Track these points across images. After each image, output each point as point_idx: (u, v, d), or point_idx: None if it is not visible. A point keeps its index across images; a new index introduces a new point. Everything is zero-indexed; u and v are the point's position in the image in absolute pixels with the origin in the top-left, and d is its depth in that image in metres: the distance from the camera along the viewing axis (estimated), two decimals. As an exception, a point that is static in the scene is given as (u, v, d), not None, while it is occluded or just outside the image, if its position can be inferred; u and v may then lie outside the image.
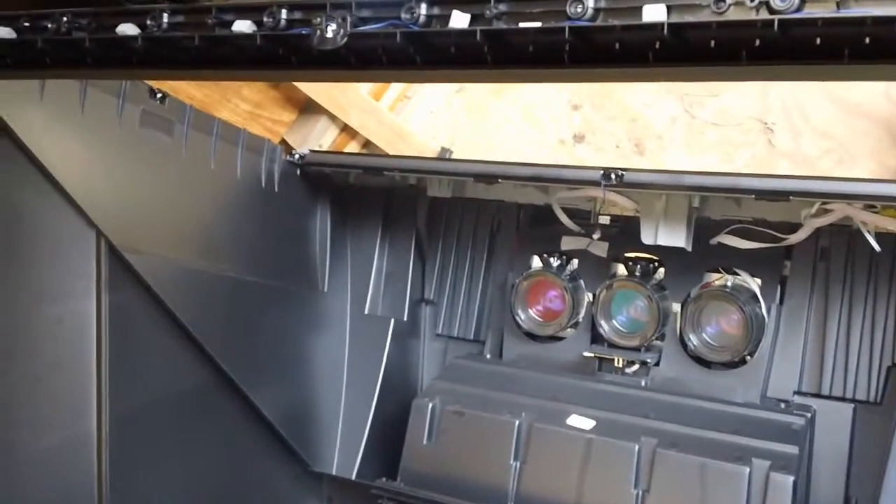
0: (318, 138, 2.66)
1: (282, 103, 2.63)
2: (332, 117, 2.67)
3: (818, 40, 0.59)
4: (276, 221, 1.85)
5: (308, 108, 2.68)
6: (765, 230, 1.70)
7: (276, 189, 1.83)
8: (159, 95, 1.52)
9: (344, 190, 2.02)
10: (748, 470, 1.46)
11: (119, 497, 1.44)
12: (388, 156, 2.45)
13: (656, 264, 1.83)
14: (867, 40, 0.57)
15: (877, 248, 1.52)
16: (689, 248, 1.70)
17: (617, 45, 0.66)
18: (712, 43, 0.63)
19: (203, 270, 1.60)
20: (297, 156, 1.88)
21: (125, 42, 0.91)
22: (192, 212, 1.62)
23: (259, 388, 1.69)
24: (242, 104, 2.48)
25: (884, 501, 1.39)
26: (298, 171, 1.89)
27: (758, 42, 0.61)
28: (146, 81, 1.50)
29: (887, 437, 1.47)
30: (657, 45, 0.65)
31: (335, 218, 1.99)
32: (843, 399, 1.63)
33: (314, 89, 2.52)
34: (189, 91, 2.19)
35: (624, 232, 1.84)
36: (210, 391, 1.63)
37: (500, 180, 1.71)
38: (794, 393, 1.68)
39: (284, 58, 0.84)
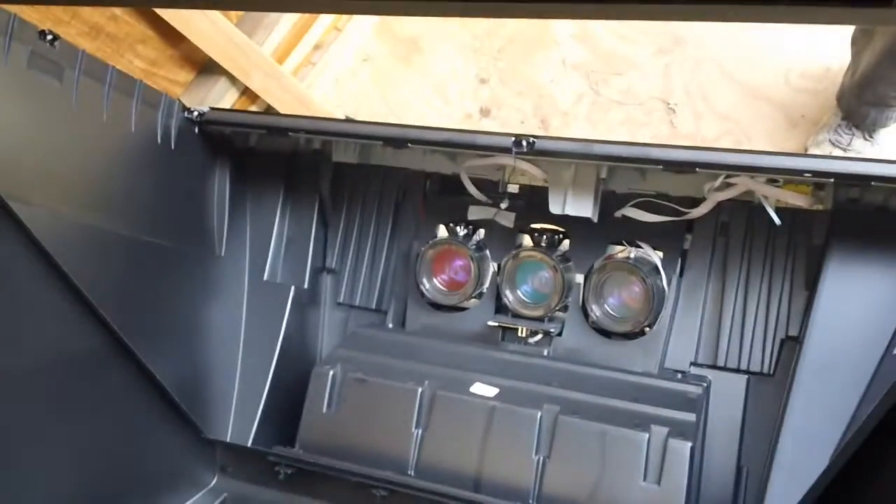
0: (216, 101, 2.56)
1: (179, 62, 2.52)
2: (233, 79, 2.58)
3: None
4: (172, 181, 1.75)
5: (207, 69, 2.57)
6: (668, 204, 1.73)
7: (173, 146, 1.73)
8: (49, 37, 1.41)
9: (244, 152, 1.94)
10: (647, 436, 1.48)
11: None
12: (293, 116, 2.36)
13: (561, 236, 1.83)
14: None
15: (777, 221, 1.56)
16: (596, 220, 1.71)
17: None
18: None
19: (93, 226, 1.50)
20: (195, 113, 1.78)
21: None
22: (83, 164, 1.51)
23: (151, 351, 1.60)
24: (137, 61, 2.36)
25: (774, 471, 1.43)
26: (196, 130, 1.80)
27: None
28: (34, 22, 1.38)
29: (779, 409, 1.52)
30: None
31: (235, 180, 1.91)
32: (737, 370, 1.68)
33: (214, 48, 2.42)
34: (80, 42, 2.06)
35: (531, 203, 1.84)
36: (99, 354, 1.53)
37: (409, 145, 1.67)
38: (691, 364, 1.71)
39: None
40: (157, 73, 2.44)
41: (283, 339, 1.86)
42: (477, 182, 1.88)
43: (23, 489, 1.41)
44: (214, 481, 1.83)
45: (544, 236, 1.83)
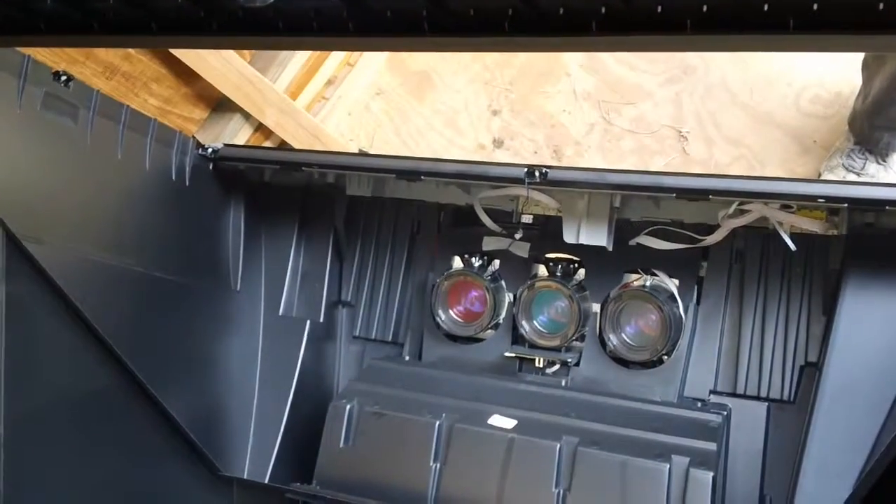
0: (230, 137, 2.58)
1: (193, 100, 2.54)
2: (247, 116, 2.60)
3: (765, 7, 0.58)
4: (186, 217, 1.77)
5: (221, 106, 2.60)
6: (682, 231, 1.73)
7: (188, 183, 1.75)
8: (63, 78, 1.44)
9: (259, 187, 1.96)
10: (668, 466, 1.47)
11: (14, 499, 1.34)
12: (307, 151, 2.39)
13: (577, 265, 1.83)
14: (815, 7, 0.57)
15: (792, 247, 1.56)
16: (610, 248, 1.71)
17: (561, 11, 0.64)
18: (659, 9, 0.61)
19: (108, 263, 1.51)
20: (209, 150, 1.81)
21: (31, 3, 0.84)
22: (97, 202, 1.53)
23: (167, 388, 1.61)
24: (151, 99, 2.38)
25: (798, 499, 1.42)
26: (211, 166, 1.82)
27: (705, 8, 0.60)
28: (49, 63, 1.41)
29: (800, 435, 1.50)
30: (603, 11, 0.63)
31: (249, 216, 1.92)
32: (757, 398, 1.66)
33: (228, 85, 2.44)
34: (95, 83, 2.09)
35: (545, 233, 1.84)
36: (115, 392, 1.54)
37: (423, 177, 1.68)
38: (711, 392, 1.70)
39: (205, 22, 0.78)
40: (172, 111, 2.46)
41: (300, 373, 1.86)
42: (491, 213, 1.89)
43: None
44: (232, 518, 1.82)
45: (559, 266, 1.83)
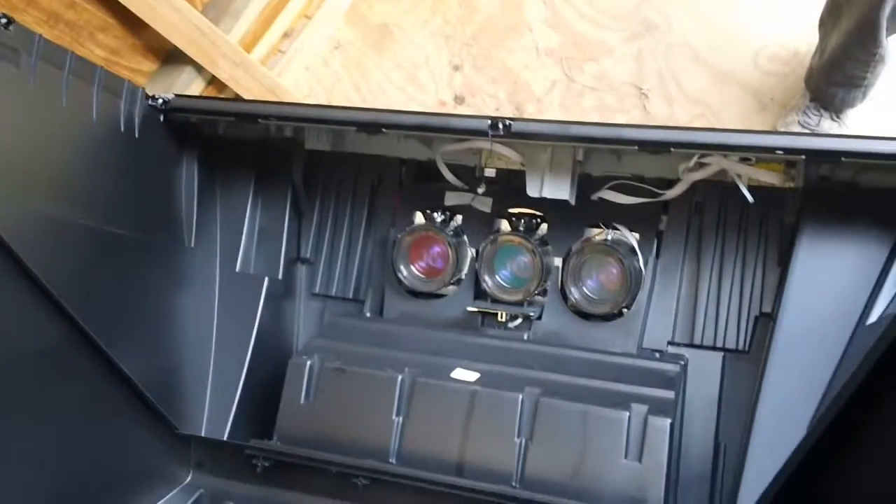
0: (181, 91, 2.51)
1: (142, 51, 2.46)
2: (199, 68, 2.53)
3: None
4: (137, 170, 1.71)
5: (171, 58, 2.52)
6: (643, 186, 1.74)
7: (137, 135, 1.69)
8: (3, 21, 1.37)
9: (213, 141, 1.89)
10: (627, 414, 1.49)
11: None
12: (263, 102, 2.33)
13: (539, 220, 1.83)
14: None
15: (750, 199, 1.57)
16: (573, 202, 1.71)
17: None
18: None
19: (56, 217, 1.45)
20: (159, 100, 1.74)
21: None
22: (42, 152, 1.46)
23: (120, 346, 1.56)
24: (97, 50, 2.30)
25: (752, 445, 1.45)
26: (161, 118, 1.76)
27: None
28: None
29: (755, 384, 1.53)
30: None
31: (203, 170, 1.87)
32: (713, 348, 1.69)
33: (179, 36, 2.37)
34: (37, 30, 2.01)
35: (508, 187, 1.83)
36: (67, 350, 1.49)
37: (384, 130, 1.65)
38: (669, 343, 1.72)
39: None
40: (119, 62, 2.38)
41: (258, 330, 1.83)
42: (453, 168, 1.87)
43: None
44: (189, 477, 1.79)
45: (522, 220, 1.83)
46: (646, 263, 1.73)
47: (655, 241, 1.76)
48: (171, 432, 1.72)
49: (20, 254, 1.36)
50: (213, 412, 1.75)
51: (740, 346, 1.67)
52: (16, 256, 1.35)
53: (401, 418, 1.62)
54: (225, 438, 1.73)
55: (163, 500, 1.72)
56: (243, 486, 1.74)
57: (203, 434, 1.74)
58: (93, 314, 1.51)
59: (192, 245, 1.83)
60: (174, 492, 1.75)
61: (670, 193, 1.71)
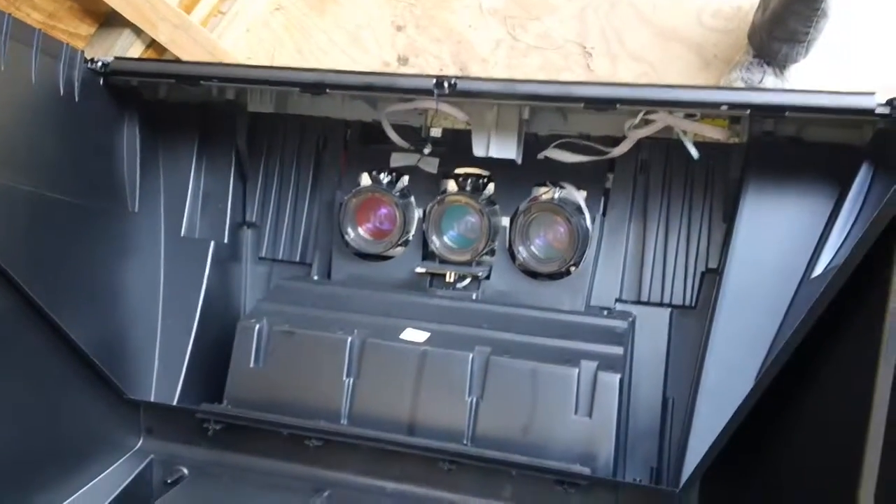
0: (121, 54, 2.43)
1: (79, 14, 2.37)
2: (138, 31, 2.45)
3: None
4: (77, 134, 1.67)
5: (109, 21, 2.44)
6: (589, 144, 1.74)
7: (77, 99, 1.64)
8: (-67, -17, 1.31)
9: (154, 105, 1.86)
10: (577, 371, 1.50)
11: None
12: (204, 64, 2.27)
13: (486, 180, 1.82)
14: None
15: (695, 155, 1.59)
16: (520, 161, 1.70)
17: None
18: None
19: (-5, 180, 1.41)
20: (98, 63, 1.69)
21: None
22: None
23: (65, 312, 1.53)
24: (34, 13, 2.22)
25: (699, 399, 1.47)
26: (101, 81, 1.71)
27: None
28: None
29: (701, 339, 1.55)
30: None
31: (145, 134, 1.83)
32: (660, 304, 1.71)
33: None
34: (-31, -7, 1.93)
35: (454, 148, 1.82)
36: (10, 316, 1.45)
37: (328, 90, 1.62)
38: (616, 301, 1.74)
39: None
40: (57, 26, 2.30)
41: (205, 295, 1.81)
42: (399, 129, 1.85)
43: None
44: (140, 443, 1.77)
45: (469, 181, 1.82)
46: (593, 221, 1.74)
47: (602, 199, 1.77)
48: (120, 398, 1.69)
49: None
50: (162, 377, 1.73)
51: (687, 302, 1.70)
52: None
53: (351, 379, 1.61)
54: (174, 403, 1.71)
55: (114, 466, 1.71)
56: (195, 450, 1.72)
57: (152, 399, 1.72)
58: (37, 280, 1.47)
59: (136, 210, 1.79)
60: (125, 457, 1.74)
61: (616, 151, 1.71)
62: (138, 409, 1.74)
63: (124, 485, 1.68)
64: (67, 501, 1.61)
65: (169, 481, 1.70)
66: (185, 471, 1.71)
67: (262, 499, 1.59)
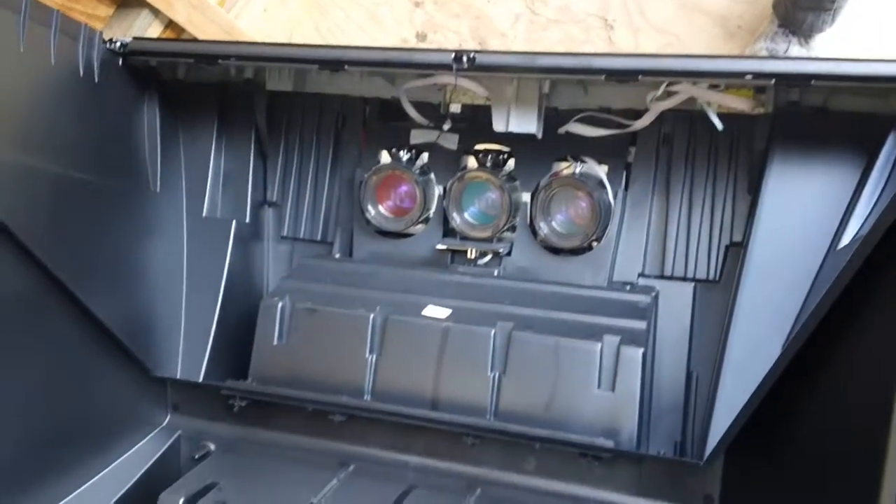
0: (139, 35, 2.44)
1: (98, -5, 2.38)
2: (155, 12, 2.46)
3: None
4: (98, 116, 1.67)
5: (127, 2, 2.45)
6: (611, 117, 1.72)
7: (97, 80, 1.65)
8: (-48, -36, 1.31)
9: (173, 85, 1.86)
10: (600, 345, 1.50)
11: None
12: (222, 42, 2.28)
13: (506, 155, 1.81)
14: None
15: (720, 126, 1.57)
16: (540, 136, 1.69)
17: None
18: None
19: (22, 164, 1.42)
20: (117, 43, 1.69)
21: None
22: (2, 98, 1.43)
23: (92, 292, 1.55)
24: (52, -5, 2.22)
25: (723, 374, 1.46)
26: (120, 62, 1.72)
27: None
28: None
29: (726, 313, 1.54)
30: None
31: (165, 114, 1.83)
32: (684, 279, 1.70)
33: (135, -20, 2.30)
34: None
35: (474, 123, 1.81)
36: (37, 297, 1.47)
37: (346, 67, 1.61)
38: (639, 276, 1.73)
39: None
40: (75, 7, 2.30)
41: (228, 274, 1.82)
42: (418, 105, 1.84)
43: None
44: (167, 420, 1.80)
45: (489, 156, 1.81)
46: (615, 196, 1.72)
47: (624, 174, 1.75)
48: (147, 376, 1.72)
49: None
50: (188, 355, 1.75)
51: (711, 276, 1.68)
52: None
53: (374, 356, 1.62)
54: (200, 380, 1.73)
55: (142, 443, 1.74)
56: (221, 426, 1.75)
57: (178, 376, 1.74)
58: (62, 260, 1.49)
59: (158, 190, 1.80)
60: (153, 434, 1.77)
61: (638, 124, 1.70)
62: (165, 386, 1.77)
63: (153, 460, 1.71)
64: (97, 477, 1.64)
65: (196, 457, 1.73)
66: (212, 446, 1.74)
67: (288, 473, 1.60)
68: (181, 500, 1.49)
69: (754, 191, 1.58)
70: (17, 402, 1.47)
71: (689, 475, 1.48)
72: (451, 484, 1.58)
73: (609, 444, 1.44)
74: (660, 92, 1.60)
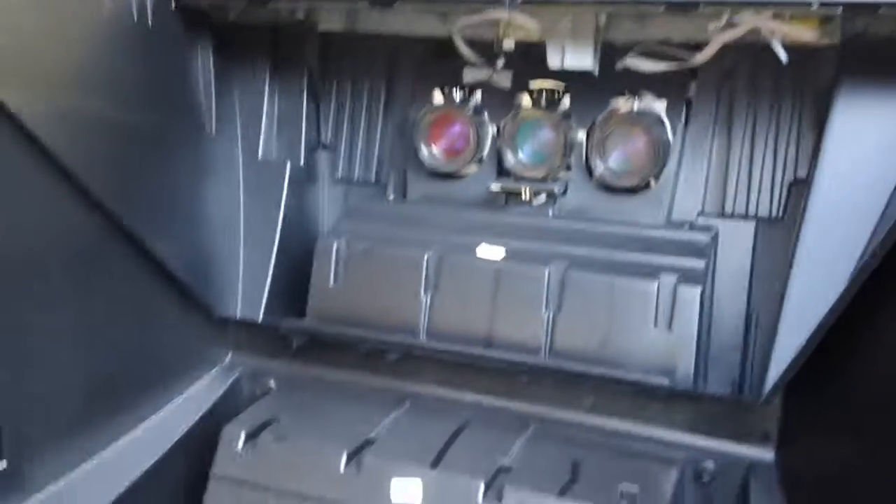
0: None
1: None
2: (208, -45, 2.44)
3: None
4: (153, 60, 1.69)
5: (178, -54, 2.44)
6: (670, 51, 1.67)
7: (151, 25, 1.66)
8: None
9: (226, 28, 1.86)
10: (656, 284, 1.48)
11: (6, 347, 1.35)
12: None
13: (561, 93, 1.78)
14: None
15: (784, 58, 1.51)
16: (596, 72, 1.65)
17: None
18: None
19: (81, 109, 1.45)
20: (170, -13, 1.70)
21: None
22: (58, 44, 1.45)
23: (152, 233, 1.59)
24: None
25: (784, 314, 1.43)
26: (173, 5, 1.72)
27: None
28: None
29: (788, 252, 1.50)
30: None
31: (218, 58, 1.84)
32: (745, 217, 1.66)
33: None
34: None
35: (528, 60, 1.77)
36: (99, 237, 1.52)
37: (397, 2, 1.59)
38: (698, 214, 1.69)
39: None
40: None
41: (284, 216, 1.84)
42: (470, 43, 1.80)
43: (34, 377, 1.43)
44: (228, 358, 1.86)
45: (543, 94, 1.78)
46: (674, 132, 1.68)
47: (684, 109, 1.70)
48: (208, 316, 1.77)
49: (51, 147, 1.37)
50: (247, 295, 1.79)
51: (773, 214, 1.64)
52: (46, 149, 1.37)
53: (429, 296, 1.64)
54: (260, 320, 1.77)
55: (204, 380, 1.81)
56: (280, 364, 1.80)
57: (239, 316, 1.79)
58: (123, 203, 1.53)
59: (213, 133, 1.82)
60: (215, 372, 1.84)
61: (699, 58, 1.63)
62: (226, 325, 1.82)
63: (215, 398, 1.77)
64: (161, 413, 1.71)
65: (258, 392, 1.78)
66: (273, 383, 1.79)
67: (345, 409, 1.64)
68: (243, 434, 1.54)
69: (820, 125, 1.53)
70: (84, 342, 1.53)
71: (746, 413, 1.48)
72: (505, 421, 1.60)
73: (665, 382, 1.43)
74: (722, 23, 1.54)
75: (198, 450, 1.63)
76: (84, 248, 1.50)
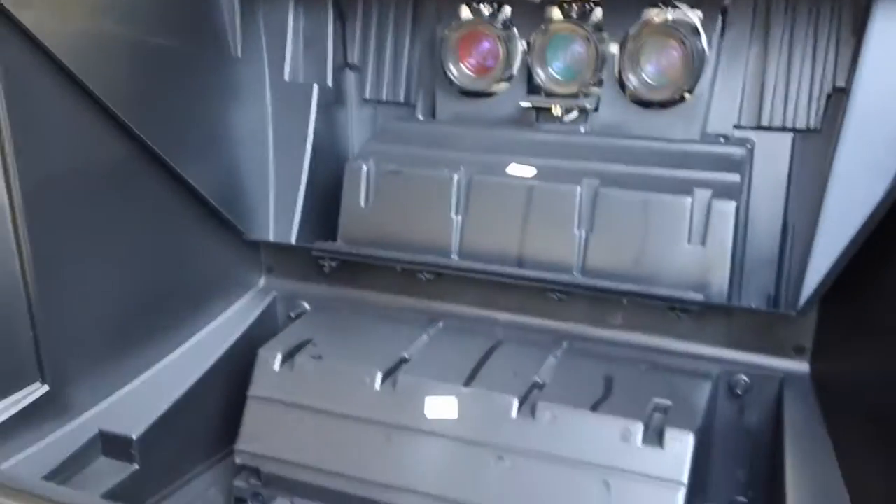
0: None
1: None
2: None
3: None
4: None
5: None
6: (706, -43, 1.61)
7: None
8: None
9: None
10: (690, 200, 1.46)
11: (45, 274, 1.38)
12: None
13: (593, 4, 1.72)
14: None
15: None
16: (628, -20, 1.60)
17: None
18: None
19: (103, 32, 1.44)
20: None
21: None
22: None
23: (183, 157, 1.60)
24: None
25: (821, 224, 1.41)
26: None
27: None
28: None
29: (825, 163, 1.47)
30: None
31: (241, -22, 1.81)
32: (782, 129, 1.62)
33: None
34: None
35: (558, -29, 1.72)
36: (131, 163, 1.53)
37: None
38: (734, 127, 1.66)
39: None
40: None
41: (313, 137, 1.84)
42: (499, -45, 1.76)
43: (74, 302, 1.46)
44: (262, 281, 1.88)
45: (574, 6, 1.72)
46: (709, 43, 1.63)
47: (720, 19, 1.65)
48: (241, 239, 1.79)
49: (75, 71, 1.36)
50: (279, 218, 1.80)
51: (811, 125, 1.60)
52: (72, 75, 1.36)
53: (460, 216, 1.63)
54: (292, 242, 1.78)
55: (240, 303, 1.83)
56: (314, 286, 1.82)
57: (271, 239, 1.80)
58: (153, 127, 1.53)
59: (240, 55, 1.80)
60: (250, 295, 1.86)
61: (736, -36, 1.58)
62: (259, 249, 1.84)
63: (251, 320, 1.80)
64: (199, 335, 1.75)
65: (293, 315, 1.81)
66: (307, 305, 1.81)
67: (379, 329, 1.67)
68: (279, 355, 1.57)
69: (859, 33, 1.47)
70: (122, 267, 1.55)
71: (780, 326, 1.47)
72: (538, 339, 1.61)
73: (698, 297, 1.43)
74: (760, -75, 1.48)
75: (235, 371, 1.67)
76: (118, 173, 1.51)
